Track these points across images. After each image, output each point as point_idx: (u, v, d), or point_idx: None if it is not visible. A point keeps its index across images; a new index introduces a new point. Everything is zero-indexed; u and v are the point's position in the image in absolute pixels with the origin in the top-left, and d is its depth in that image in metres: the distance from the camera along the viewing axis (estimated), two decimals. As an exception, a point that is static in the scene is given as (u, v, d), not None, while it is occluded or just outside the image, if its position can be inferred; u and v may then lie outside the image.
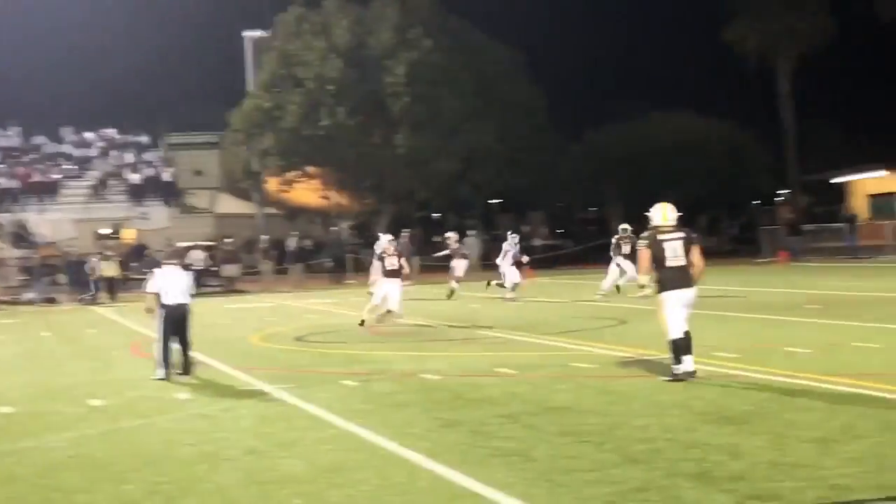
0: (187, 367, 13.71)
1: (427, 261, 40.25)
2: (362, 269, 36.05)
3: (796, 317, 18.93)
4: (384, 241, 21.08)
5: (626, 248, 27.23)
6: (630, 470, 7.58)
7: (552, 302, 26.00)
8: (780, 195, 75.88)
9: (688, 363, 11.60)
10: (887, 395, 9.98)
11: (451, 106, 47.92)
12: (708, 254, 36.28)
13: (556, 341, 16.37)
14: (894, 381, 10.82)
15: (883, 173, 59.87)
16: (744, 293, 26.05)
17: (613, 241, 28.79)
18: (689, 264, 11.77)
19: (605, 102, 70.51)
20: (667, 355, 11.85)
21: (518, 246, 27.84)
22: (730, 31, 66.75)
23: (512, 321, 20.16)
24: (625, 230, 28.44)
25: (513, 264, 27.21)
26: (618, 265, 27.52)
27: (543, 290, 29.87)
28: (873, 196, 60.54)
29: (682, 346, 11.63)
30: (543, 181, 56.54)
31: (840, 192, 66.16)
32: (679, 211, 12.30)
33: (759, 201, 72.51)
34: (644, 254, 11.98)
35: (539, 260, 42.99)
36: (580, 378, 12.22)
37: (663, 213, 11.97)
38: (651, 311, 21.82)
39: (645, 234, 12.10)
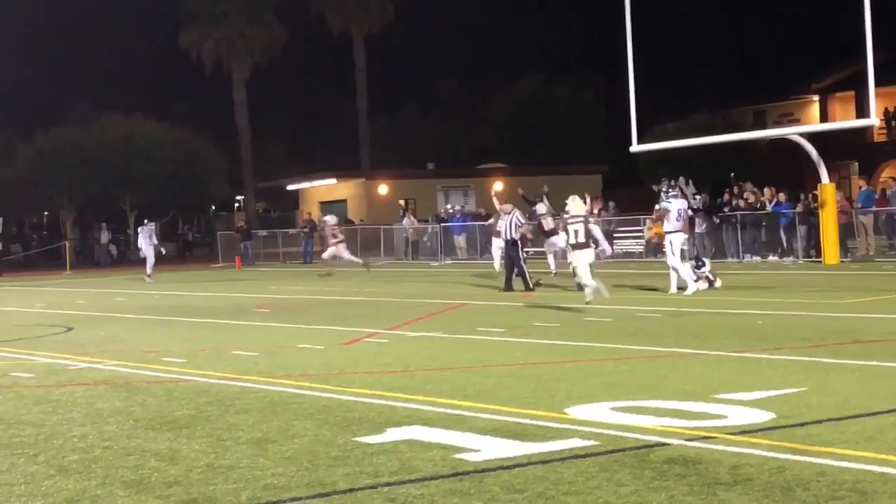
0: None
1: None
2: None
3: (245, 320, 19.28)
4: None
5: None
6: (63, 481, 7.28)
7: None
8: (236, 201, 77.14)
9: None
10: (323, 395, 10.35)
11: None
12: (166, 259, 35.69)
13: (-5, 351, 15.53)
14: (330, 380, 11.27)
15: (333, 181, 62.76)
16: (198, 297, 26.32)
17: None
18: None
19: (59, 102, 68.17)
20: (115, 361, 11.54)
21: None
22: (186, 36, 66.86)
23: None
24: None
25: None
26: None
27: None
28: (324, 203, 63.27)
29: None
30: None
31: (294, 198, 68.51)
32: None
33: (215, 207, 73.25)
34: None
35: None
36: (18, 388, 11.64)
37: None
38: (97, 316, 21.41)
39: None
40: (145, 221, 36.95)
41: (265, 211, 79.41)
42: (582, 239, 18.84)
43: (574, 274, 20.28)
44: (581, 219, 18.98)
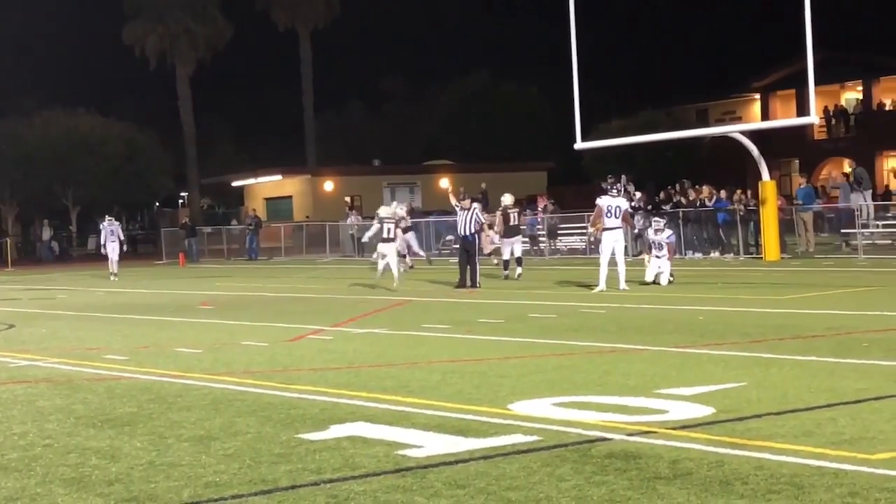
0: None
1: None
2: None
3: (189, 317, 19.17)
4: None
5: None
6: (3, 479, 7.21)
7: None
8: (181, 197, 76.60)
9: None
10: (266, 392, 10.33)
11: None
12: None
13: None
14: (273, 377, 11.25)
15: (278, 177, 62.52)
16: (141, 294, 26.12)
17: None
18: None
19: (0, 97, 67.22)
20: (56, 359, 11.44)
21: None
22: (129, 31, 66.23)
23: None
24: None
25: None
26: None
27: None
28: (269, 199, 63.00)
29: None
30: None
31: (239, 195, 68.15)
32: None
33: (159, 203, 72.63)
34: None
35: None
36: (-44, 387, 11.50)
37: None
38: (38, 314, 21.21)
39: None
40: (109, 218, 36.14)
41: (210, 207, 78.88)
42: (392, 235, 23.46)
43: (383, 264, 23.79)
44: (394, 220, 24.00)
